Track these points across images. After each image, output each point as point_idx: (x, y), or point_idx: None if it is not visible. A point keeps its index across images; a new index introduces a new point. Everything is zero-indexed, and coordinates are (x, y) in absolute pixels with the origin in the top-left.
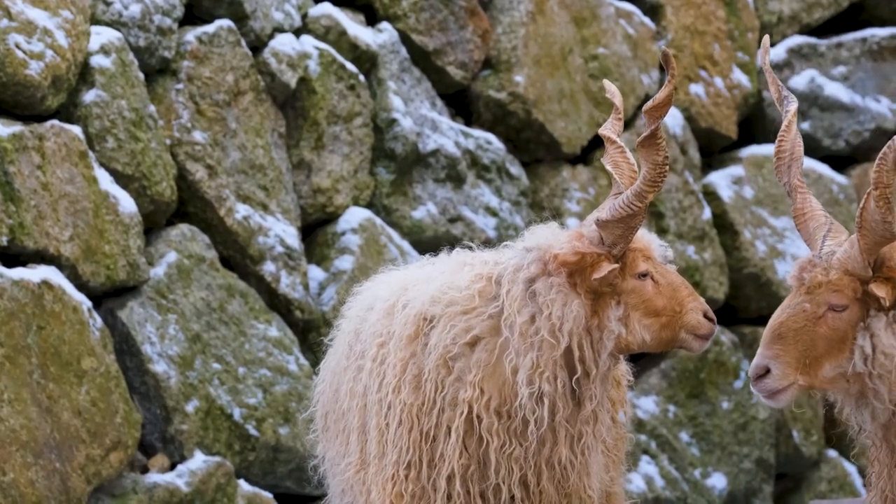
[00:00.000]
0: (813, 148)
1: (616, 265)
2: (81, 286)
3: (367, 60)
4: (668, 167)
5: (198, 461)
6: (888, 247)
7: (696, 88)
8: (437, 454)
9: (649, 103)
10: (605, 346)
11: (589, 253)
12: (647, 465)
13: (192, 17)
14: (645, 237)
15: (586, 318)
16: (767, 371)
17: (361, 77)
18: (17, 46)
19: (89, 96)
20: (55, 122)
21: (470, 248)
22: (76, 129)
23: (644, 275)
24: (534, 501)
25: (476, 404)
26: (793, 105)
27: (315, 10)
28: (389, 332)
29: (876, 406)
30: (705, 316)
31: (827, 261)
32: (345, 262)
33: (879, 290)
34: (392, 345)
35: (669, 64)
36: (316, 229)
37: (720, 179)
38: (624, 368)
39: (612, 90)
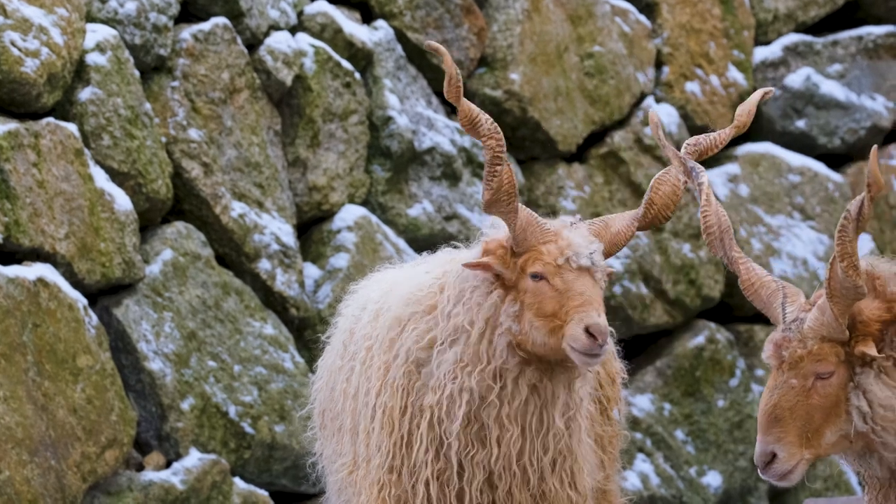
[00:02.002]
0: (808, 146)
1: (484, 261)
2: (77, 284)
3: (362, 58)
4: (495, 145)
5: (193, 459)
6: None
7: (692, 86)
8: (414, 459)
9: (444, 85)
10: (497, 341)
11: (494, 248)
12: (642, 463)
13: (188, 14)
14: (567, 239)
15: (496, 310)
16: (774, 456)
17: (357, 75)
18: (13, 44)
19: (85, 94)
20: (51, 119)
21: (456, 246)
22: (72, 127)
23: (536, 276)
24: None
25: (437, 409)
26: (703, 177)
27: (311, 8)
28: (376, 335)
29: (885, 455)
30: (587, 330)
31: (799, 331)
32: (340, 260)
33: (868, 349)
34: (376, 348)
35: (439, 52)
36: (311, 227)
37: (716, 177)
38: (618, 366)
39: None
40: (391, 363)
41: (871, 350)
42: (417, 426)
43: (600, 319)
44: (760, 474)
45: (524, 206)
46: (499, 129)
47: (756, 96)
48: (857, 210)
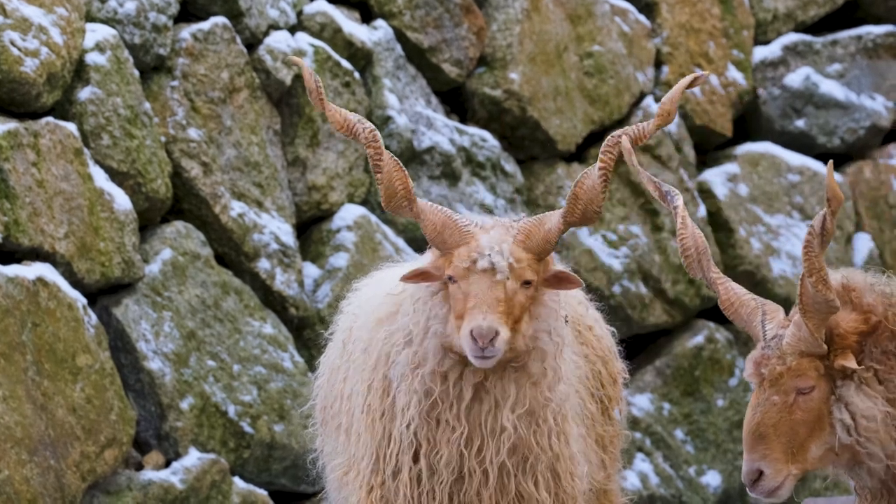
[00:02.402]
0: (808, 145)
1: (418, 269)
2: (76, 283)
3: (362, 58)
4: (374, 154)
5: (192, 458)
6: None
7: None
8: (393, 461)
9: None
10: (427, 343)
11: (433, 250)
12: (641, 463)
13: (187, 14)
14: (477, 241)
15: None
16: (761, 473)
17: (356, 74)
18: (13, 43)
19: (84, 93)
20: (50, 119)
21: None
22: (71, 127)
23: (451, 278)
24: None
25: (405, 410)
26: (678, 200)
27: (310, 8)
28: (363, 336)
29: (872, 466)
30: (471, 333)
31: (778, 348)
32: (340, 260)
33: (848, 362)
34: (362, 348)
35: (298, 65)
36: (311, 226)
37: (715, 177)
38: (620, 366)
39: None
40: (373, 364)
41: (851, 363)
42: (394, 428)
43: (483, 322)
44: (749, 492)
45: (442, 208)
46: (377, 135)
47: (683, 83)
48: (821, 225)
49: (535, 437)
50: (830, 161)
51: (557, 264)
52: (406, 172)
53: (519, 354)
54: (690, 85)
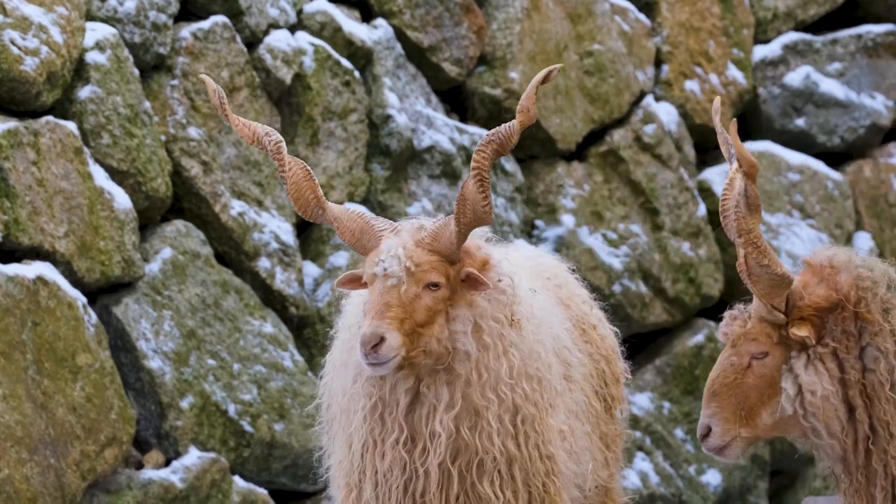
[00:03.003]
0: (808, 144)
1: (347, 275)
2: (76, 282)
3: (362, 57)
4: (277, 165)
5: (192, 457)
6: (799, 285)
7: (692, 85)
8: (359, 462)
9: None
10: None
11: None
12: (641, 462)
13: (187, 13)
14: (379, 247)
15: None
16: (710, 429)
17: (356, 73)
18: (13, 42)
19: (84, 92)
20: (50, 118)
21: None
22: (71, 126)
23: (364, 283)
24: None
25: (357, 414)
26: (734, 163)
27: (310, 7)
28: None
29: (817, 443)
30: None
31: (746, 310)
32: (340, 259)
33: (800, 331)
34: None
35: (204, 82)
36: (311, 225)
37: (715, 176)
38: (623, 366)
39: None
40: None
41: (801, 332)
42: (357, 429)
43: (368, 329)
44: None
45: (361, 213)
46: (281, 147)
47: (537, 79)
48: (743, 192)
49: (479, 439)
50: (733, 122)
51: (499, 267)
52: (316, 181)
53: (440, 357)
54: (544, 80)
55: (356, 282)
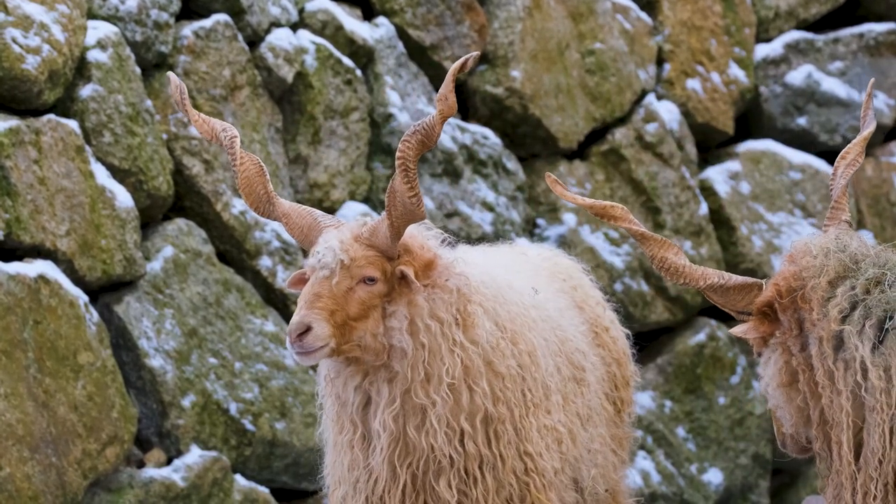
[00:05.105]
0: (810, 143)
1: (297, 273)
2: (78, 281)
3: (363, 55)
4: (230, 160)
5: (194, 456)
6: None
7: (693, 84)
8: (335, 465)
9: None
10: None
11: None
12: (643, 461)
13: (189, 11)
14: (322, 241)
15: None
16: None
17: (358, 72)
18: (14, 41)
19: (86, 91)
20: (52, 116)
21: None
22: (73, 124)
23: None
24: None
25: (330, 413)
26: (871, 125)
27: (312, 5)
28: None
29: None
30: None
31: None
32: None
33: (738, 329)
34: None
35: (171, 82)
36: None
37: (717, 175)
38: (633, 369)
39: None
40: None
41: (738, 330)
42: (326, 428)
43: (295, 318)
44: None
45: (309, 210)
46: (235, 142)
47: (454, 68)
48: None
49: (425, 439)
50: (454, 66)
51: (448, 267)
52: (268, 177)
53: (378, 353)
54: (461, 69)
55: (305, 281)
